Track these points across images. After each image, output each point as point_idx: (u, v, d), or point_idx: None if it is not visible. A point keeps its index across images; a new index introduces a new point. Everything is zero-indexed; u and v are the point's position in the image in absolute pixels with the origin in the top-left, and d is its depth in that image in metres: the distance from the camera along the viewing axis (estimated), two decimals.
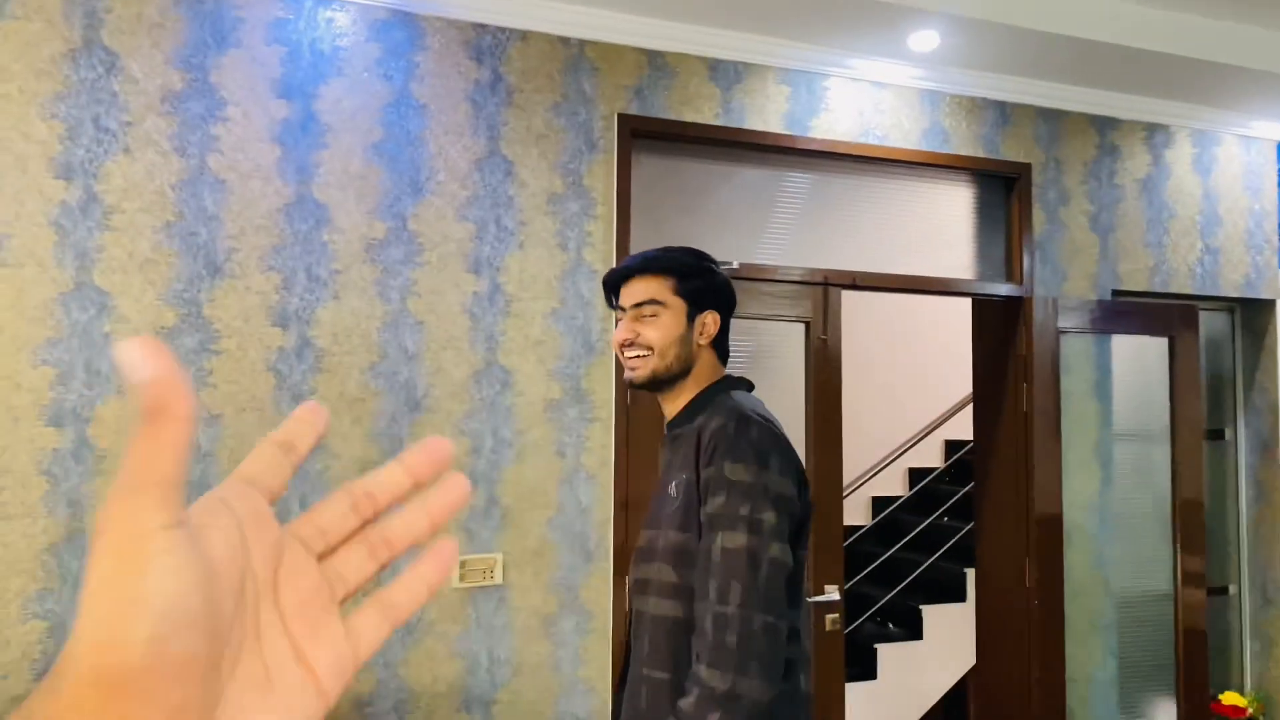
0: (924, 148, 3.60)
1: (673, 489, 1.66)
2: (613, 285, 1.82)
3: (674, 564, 1.63)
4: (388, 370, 2.84)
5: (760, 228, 3.45)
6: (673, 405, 1.78)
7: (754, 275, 3.33)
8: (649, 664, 1.64)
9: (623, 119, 3.15)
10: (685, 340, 1.75)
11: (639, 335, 1.74)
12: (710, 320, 1.78)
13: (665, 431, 1.80)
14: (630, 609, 1.75)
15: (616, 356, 1.84)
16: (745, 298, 3.30)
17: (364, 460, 2.80)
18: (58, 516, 2.50)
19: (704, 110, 3.27)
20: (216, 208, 2.69)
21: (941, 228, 3.74)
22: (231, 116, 2.72)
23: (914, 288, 3.65)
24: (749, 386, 1.80)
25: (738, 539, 1.54)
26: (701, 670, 1.49)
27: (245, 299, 2.71)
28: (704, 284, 1.78)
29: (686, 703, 1.48)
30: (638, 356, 1.74)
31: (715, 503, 1.57)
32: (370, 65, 2.88)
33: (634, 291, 1.77)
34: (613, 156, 3.13)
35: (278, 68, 2.78)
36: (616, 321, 1.82)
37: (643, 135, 3.20)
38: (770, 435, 1.63)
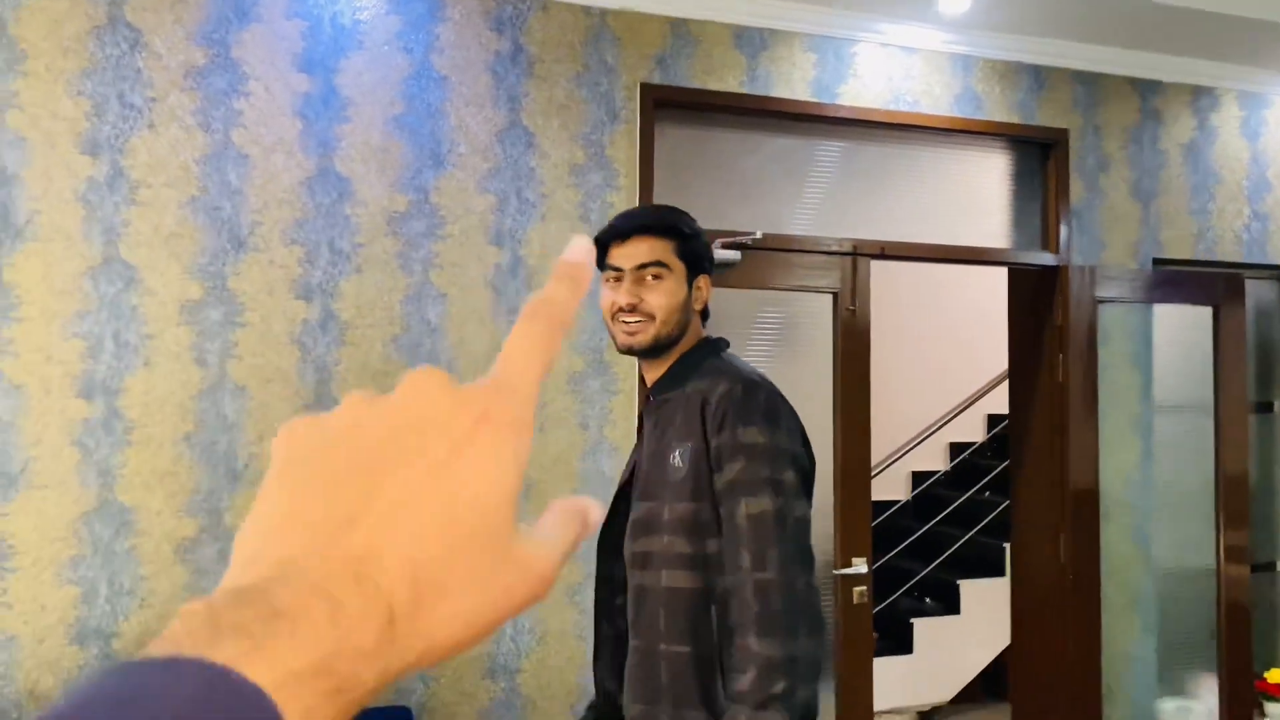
0: (956, 114, 3.52)
1: (676, 458, 1.63)
2: (604, 244, 1.70)
3: (687, 534, 1.59)
4: (410, 343, 2.86)
5: (787, 198, 3.41)
6: (657, 369, 1.73)
7: (780, 246, 3.29)
8: (667, 639, 1.59)
9: (645, 89, 3.11)
10: (686, 306, 1.69)
11: (642, 300, 1.65)
12: (704, 284, 1.74)
13: (650, 397, 1.74)
14: (615, 582, 1.72)
15: (605, 320, 1.76)
16: (771, 268, 3.27)
17: None
18: (89, 486, 2.56)
19: (728, 79, 3.23)
20: (240, 182, 2.72)
21: (975, 196, 3.66)
22: (253, 91, 2.75)
23: (945, 257, 3.58)
24: (727, 345, 1.77)
25: (763, 503, 1.52)
26: (752, 642, 1.45)
27: (269, 272, 2.74)
28: (700, 247, 1.73)
29: (746, 680, 1.44)
30: (638, 322, 1.66)
31: (733, 469, 1.55)
32: (390, 38, 2.88)
33: (635, 251, 1.67)
34: (635, 127, 3.10)
35: (299, 42, 2.79)
36: (617, 281, 1.70)
37: (666, 105, 3.17)
38: (775, 395, 1.63)
